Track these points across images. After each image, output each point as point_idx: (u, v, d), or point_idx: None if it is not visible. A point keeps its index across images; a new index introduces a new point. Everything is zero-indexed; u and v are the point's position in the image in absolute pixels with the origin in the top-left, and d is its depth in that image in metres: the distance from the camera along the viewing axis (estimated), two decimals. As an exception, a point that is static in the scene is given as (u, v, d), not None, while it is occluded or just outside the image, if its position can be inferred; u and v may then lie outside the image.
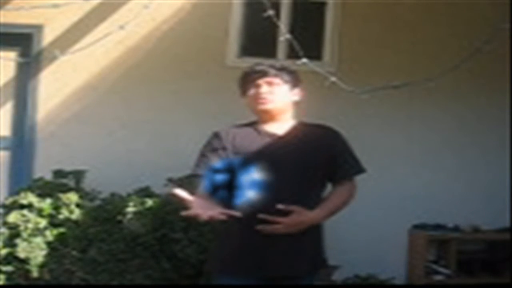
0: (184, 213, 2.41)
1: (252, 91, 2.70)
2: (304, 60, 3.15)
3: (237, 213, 2.38)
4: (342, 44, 5.14)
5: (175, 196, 2.55)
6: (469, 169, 5.26)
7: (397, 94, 3.75)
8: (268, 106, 2.68)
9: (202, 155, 2.72)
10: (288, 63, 3.03)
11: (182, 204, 2.58)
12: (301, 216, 2.56)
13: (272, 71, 2.70)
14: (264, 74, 2.69)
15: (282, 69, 2.74)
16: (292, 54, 3.52)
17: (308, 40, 4.78)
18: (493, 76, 5.20)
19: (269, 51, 5.01)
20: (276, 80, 2.70)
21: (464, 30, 5.06)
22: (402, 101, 5.03)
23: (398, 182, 5.15)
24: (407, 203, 5.12)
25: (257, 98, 2.69)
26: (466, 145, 5.28)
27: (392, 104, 5.03)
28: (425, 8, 5.12)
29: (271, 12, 3.34)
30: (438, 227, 5.13)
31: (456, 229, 5.13)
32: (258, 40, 5.11)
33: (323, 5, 5.18)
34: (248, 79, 2.72)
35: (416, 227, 5.16)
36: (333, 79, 3.10)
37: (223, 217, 2.37)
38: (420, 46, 5.16)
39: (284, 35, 3.57)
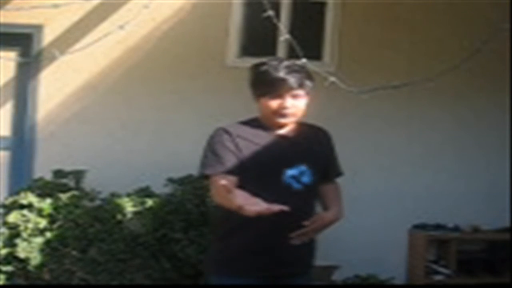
0: (235, 206, 2.24)
1: (274, 103, 2.58)
2: (304, 60, 3.15)
3: (284, 207, 2.25)
4: (342, 44, 5.14)
5: (222, 189, 2.35)
6: (469, 169, 5.26)
7: (397, 94, 3.75)
8: (290, 119, 2.62)
9: (214, 154, 2.57)
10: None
11: (224, 199, 2.40)
12: (325, 220, 2.61)
13: (297, 83, 2.58)
14: (290, 88, 2.57)
15: (304, 77, 2.62)
16: (292, 54, 3.52)
17: (308, 40, 4.78)
18: (493, 76, 5.20)
19: (269, 51, 4.99)
20: (300, 92, 2.60)
21: (464, 30, 5.06)
22: (402, 101, 5.03)
23: (398, 182, 5.15)
24: (407, 203, 5.12)
25: (280, 112, 2.59)
26: (466, 145, 5.28)
27: (392, 104, 5.04)
28: (425, 8, 5.12)
29: (271, 12, 3.35)
30: (438, 227, 5.13)
31: (456, 229, 5.13)
32: (258, 40, 5.10)
33: (323, 5, 5.18)
34: (270, 88, 2.58)
35: (416, 227, 5.16)
36: (333, 79, 3.11)
37: (275, 209, 2.23)
38: (420, 46, 5.17)
39: (284, 35, 3.57)
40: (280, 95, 2.58)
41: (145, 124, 4.97)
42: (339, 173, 2.80)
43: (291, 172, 2.56)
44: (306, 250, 2.66)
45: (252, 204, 2.23)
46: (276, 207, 2.24)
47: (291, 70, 2.59)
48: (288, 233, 2.54)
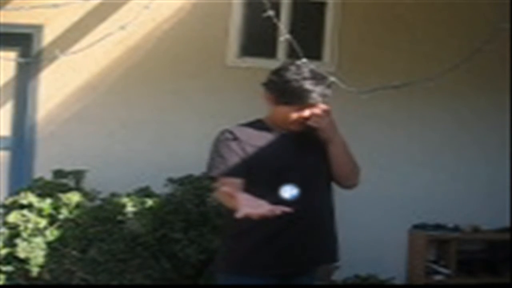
0: (238, 215, 2.22)
1: (295, 114, 2.59)
2: (304, 60, 3.15)
3: (288, 209, 2.25)
4: (342, 44, 5.14)
5: (225, 194, 2.36)
6: (469, 169, 5.26)
7: (397, 94, 3.75)
8: (303, 127, 2.63)
9: (220, 156, 2.59)
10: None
11: (228, 202, 2.42)
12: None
13: (321, 96, 2.59)
14: (314, 102, 2.58)
15: (326, 87, 2.62)
16: (292, 54, 3.52)
17: (308, 40, 4.79)
18: (493, 76, 5.20)
19: (269, 51, 5.01)
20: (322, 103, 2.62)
21: (464, 30, 5.06)
22: (402, 101, 5.03)
23: (398, 182, 5.15)
24: (407, 203, 5.12)
25: (299, 122, 2.61)
26: (466, 145, 5.28)
27: (392, 104, 5.04)
28: (425, 8, 5.12)
29: (271, 12, 3.34)
30: (438, 227, 5.13)
31: (456, 229, 5.13)
32: (258, 40, 5.11)
33: (323, 5, 5.18)
34: (295, 100, 2.57)
35: (416, 227, 5.16)
36: (333, 79, 3.10)
37: (278, 212, 2.22)
38: (420, 46, 5.17)
39: (284, 35, 3.56)
40: (302, 107, 2.59)
41: (145, 124, 4.97)
42: None
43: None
44: (318, 248, 2.66)
45: (255, 208, 2.23)
46: (279, 209, 2.23)
47: (316, 80, 2.59)
48: (300, 231, 2.56)
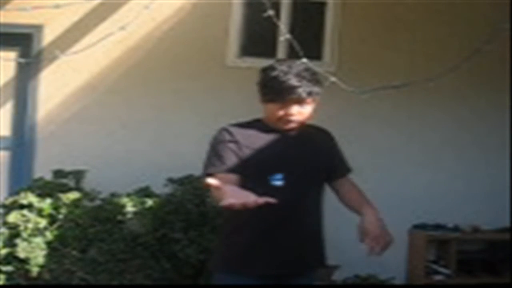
0: (222, 204, 2.21)
1: (281, 111, 2.57)
2: (304, 60, 3.15)
3: (272, 200, 2.23)
4: (342, 44, 5.14)
5: (210, 186, 2.34)
6: (469, 169, 5.26)
7: (397, 94, 3.75)
8: (294, 125, 2.62)
9: (216, 154, 2.59)
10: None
11: (216, 195, 2.40)
12: (386, 239, 2.83)
13: (306, 92, 2.55)
14: (298, 98, 2.54)
15: (314, 85, 2.58)
16: (292, 54, 3.52)
17: (308, 40, 4.79)
18: (493, 76, 5.20)
19: (269, 51, 5.01)
20: (308, 100, 2.58)
21: (464, 30, 5.06)
22: (402, 101, 5.03)
23: (398, 182, 5.15)
24: (407, 203, 5.12)
25: (286, 118, 2.59)
26: (466, 145, 5.28)
27: (392, 104, 5.04)
28: (425, 8, 5.12)
29: (271, 12, 3.34)
30: (438, 227, 5.13)
31: (456, 229, 5.13)
32: (258, 40, 5.11)
33: (323, 5, 5.18)
34: (278, 95, 2.56)
35: (416, 227, 5.16)
36: (333, 79, 3.10)
37: (261, 201, 2.20)
38: (420, 46, 5.17)
39: (284, 35, 3.57)
40: (287, 103, 2.56)
41: (145, 124, 4.97)
42: (349, 169, 2.79)
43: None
44: (310, 251, 2.66)
45: (239, 198, 2.22)
46: (263, 200, 2.21)
47: (301, 77, 2.56)
48: (293, 232, 2.56)
